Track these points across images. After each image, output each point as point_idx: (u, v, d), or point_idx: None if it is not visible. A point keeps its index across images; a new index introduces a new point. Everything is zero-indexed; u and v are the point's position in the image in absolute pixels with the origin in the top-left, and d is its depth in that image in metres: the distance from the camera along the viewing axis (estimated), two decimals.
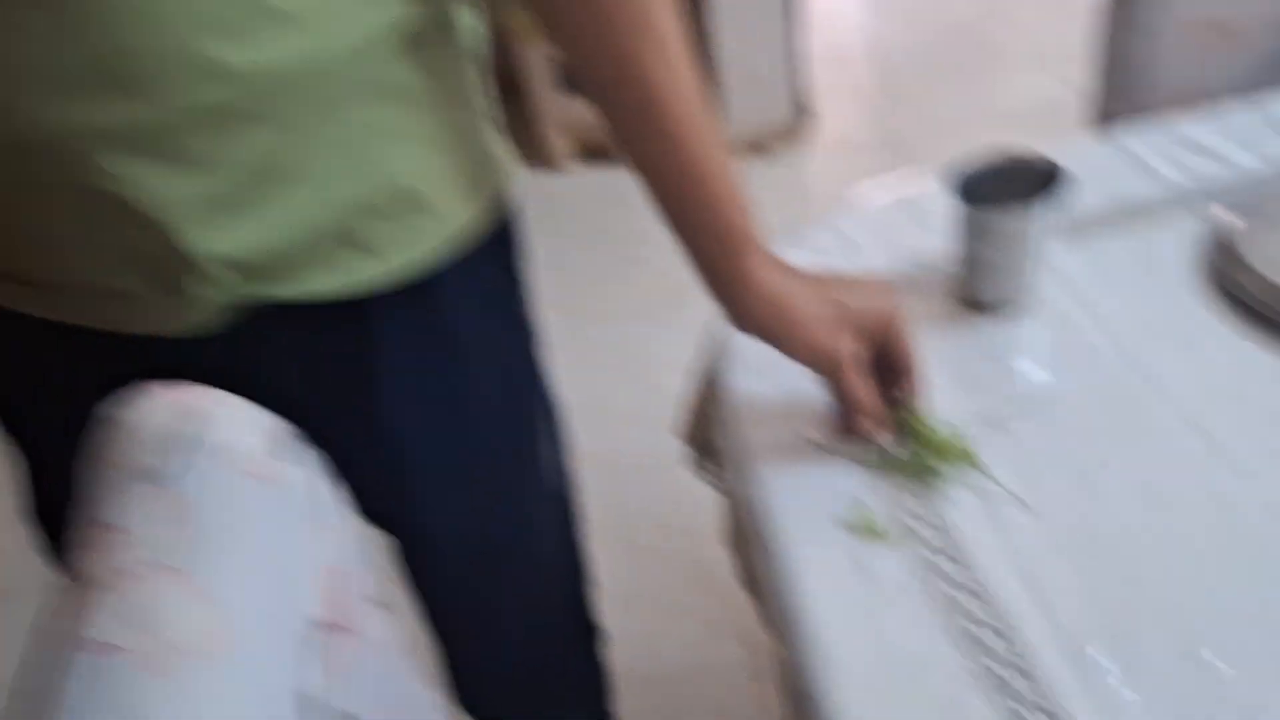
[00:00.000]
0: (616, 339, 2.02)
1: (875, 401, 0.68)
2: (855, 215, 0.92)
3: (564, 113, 2.41)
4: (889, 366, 0.70)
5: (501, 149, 0.70)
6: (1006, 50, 2.70)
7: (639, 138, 0.62)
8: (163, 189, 0.53)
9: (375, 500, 0.77)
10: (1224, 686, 0.54)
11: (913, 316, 0.80)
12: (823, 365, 0.68)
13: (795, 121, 2.44)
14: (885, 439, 0.70)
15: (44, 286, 0.59)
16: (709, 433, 0.87)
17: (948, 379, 0.74)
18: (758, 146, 2.43)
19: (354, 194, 0.59)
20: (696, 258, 0.66)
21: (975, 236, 0.75)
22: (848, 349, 0.67)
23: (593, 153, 2.50)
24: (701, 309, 0.72)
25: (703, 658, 1.46)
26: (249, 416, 0.49)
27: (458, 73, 0.64)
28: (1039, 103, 2.42)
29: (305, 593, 0.51)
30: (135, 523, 0.44)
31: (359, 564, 0.56)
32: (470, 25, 0.65)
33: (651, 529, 1.65)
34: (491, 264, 0.70)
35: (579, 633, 0.97)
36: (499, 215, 0.70)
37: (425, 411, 0.70)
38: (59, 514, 0.62)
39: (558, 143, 2.48)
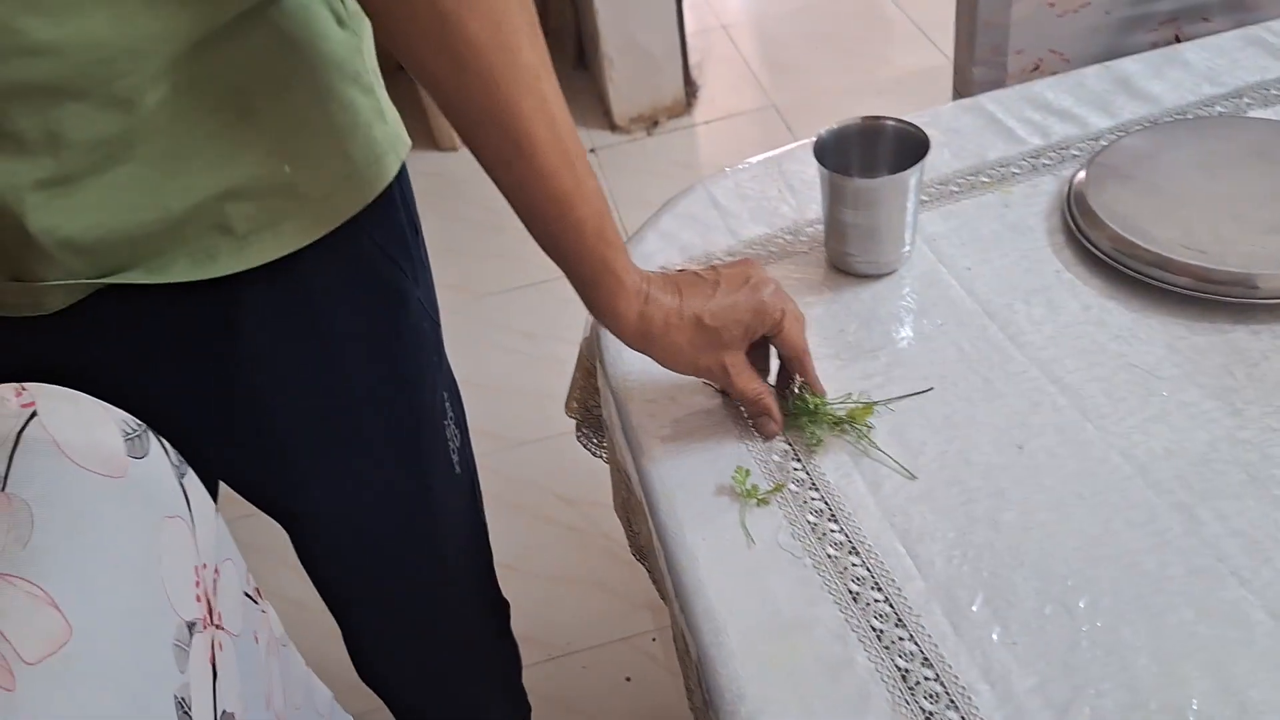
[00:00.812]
0: (512, 315, 2.01)
1: (766, 391, 0.71)
2: (729, 182, 0.93)
3: None
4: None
5: (383, 126, 0.68)
6: (890, 21, 2.75)
7: (512, 180, 0.61)
8: None
9: (257, 485, 0.76)
10: (1095, 633, 0.57)
11: (786, 284, 0.81)
12: (709, 379, 0.72)
13: (684, 96, 2.46)
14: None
15: None
16: (591, 402, 0.87)
17: (822, 346, 0.76)
18: (648, 122, 2.44)
19: (208, 176, 0.57)
20: (573, 285, 0.66)
21: (840, 201, 0.77)
22: (730, 361, 0.69)
23: None
24: None
25: (611, 628, 1.48)
26: (94, 412, 0.47)
27: (328, 50, 0.62)
28: (922, 73, 2.47)
29: (175, 593, 0.49)
30: None
31: (226, 559, 0.55)
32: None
33: (554, 502, 1.65)
34: (362, 240, 0.69)
35: (485, 609, 0.97)
36: (372, 193, 0.68)
37: (295, 392, 0.69)
38: None
39: (446, 122, 2.43)
